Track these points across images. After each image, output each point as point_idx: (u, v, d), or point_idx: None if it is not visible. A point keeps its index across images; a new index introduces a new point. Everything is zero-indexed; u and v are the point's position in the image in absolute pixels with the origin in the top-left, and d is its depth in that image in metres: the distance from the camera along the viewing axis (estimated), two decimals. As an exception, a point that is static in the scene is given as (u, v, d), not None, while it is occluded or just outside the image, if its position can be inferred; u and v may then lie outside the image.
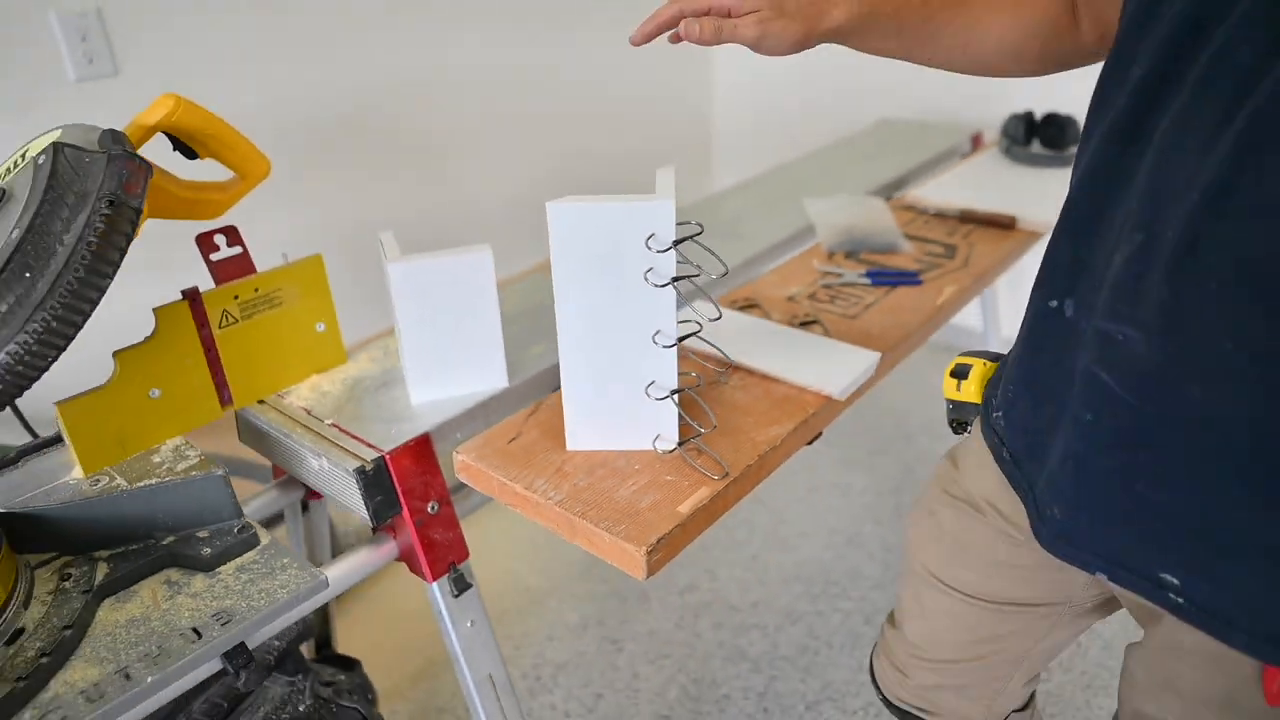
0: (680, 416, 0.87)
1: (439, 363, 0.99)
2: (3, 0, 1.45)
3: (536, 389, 1.05)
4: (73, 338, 0.73)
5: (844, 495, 2.03)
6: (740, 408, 0.96)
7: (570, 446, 0.89)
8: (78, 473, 0.89)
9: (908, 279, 1.31)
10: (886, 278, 1.31)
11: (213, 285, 0.95)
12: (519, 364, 1.05)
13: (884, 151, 2.02)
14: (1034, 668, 0.86)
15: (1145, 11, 0.60)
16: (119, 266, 0.74)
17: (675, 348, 0.83)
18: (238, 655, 0.81)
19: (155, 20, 1.62)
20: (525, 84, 2.29)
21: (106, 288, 0.73)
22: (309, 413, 0.99)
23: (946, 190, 1.70)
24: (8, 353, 0.70)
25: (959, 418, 0.90)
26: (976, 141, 2.17)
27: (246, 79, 1.76)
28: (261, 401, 1.02)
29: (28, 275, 0.70)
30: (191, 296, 0.93)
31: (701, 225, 0.82)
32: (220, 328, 0.95)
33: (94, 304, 0.73)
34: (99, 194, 0.71)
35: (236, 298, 0.96)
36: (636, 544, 0.76)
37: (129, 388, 0.89)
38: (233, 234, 0.97)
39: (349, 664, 1.26)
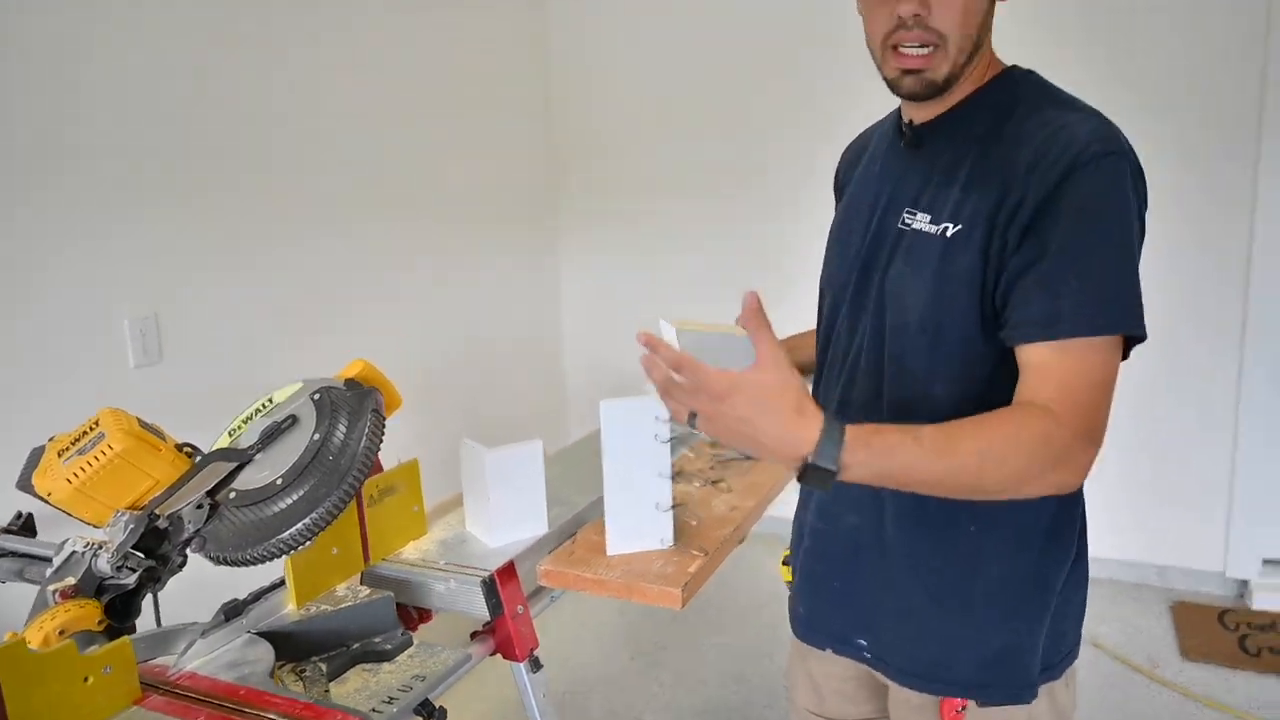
0: (674, 523, 1.48)
1: (508, 520, 1.53)
2: (85, 306, 1.93)
3: (566, 529, 1.61)
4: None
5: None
6: (715, 516, 1.57)
7: (610, 552, 1.46)
8: (292, 606, 1.33)
9: (766, 454, 2.01)
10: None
11: (359, 480, 1.46)
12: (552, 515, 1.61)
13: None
14: None
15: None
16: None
17: (669, 480, 1.46)
18: (425, 705, 1.26)
19: (196, 319, 2.14)
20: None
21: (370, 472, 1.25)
22: (424, 561, 1.48)
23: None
24: (316, 516, 1.19)
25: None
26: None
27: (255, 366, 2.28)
28: (383, 560, 1.49)
29: (330, 459, 1.22)
30: (353, 486, 1.43)
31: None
32: (368, 507, 1.45)
33: (363, 483, 1.25)
34: (372, 409, 1.26)
35: (377, 485, 1.47)
36: (674, 586, 1.33)
37: (324, 545, 1.37)
38: (368, 448, 1.50)
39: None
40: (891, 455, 0.84)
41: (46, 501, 1.29)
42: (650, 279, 3.65)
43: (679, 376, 0.82)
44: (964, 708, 1.06)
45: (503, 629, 1.44)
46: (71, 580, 1.21)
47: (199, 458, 1.32)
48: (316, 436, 1.24)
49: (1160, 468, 2.98)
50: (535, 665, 1.46)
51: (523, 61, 3.49)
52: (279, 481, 1.21)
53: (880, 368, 1.06)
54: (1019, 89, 1.02)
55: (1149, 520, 3.02)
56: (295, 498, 1.20)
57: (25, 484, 1.32)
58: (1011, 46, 1.12)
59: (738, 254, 3.46)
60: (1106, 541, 3.08)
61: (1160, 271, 2.84)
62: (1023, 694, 1.05)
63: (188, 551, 1.23)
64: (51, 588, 1.19)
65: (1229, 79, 2.71)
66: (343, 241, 2.60)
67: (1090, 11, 2.83)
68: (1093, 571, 3.18)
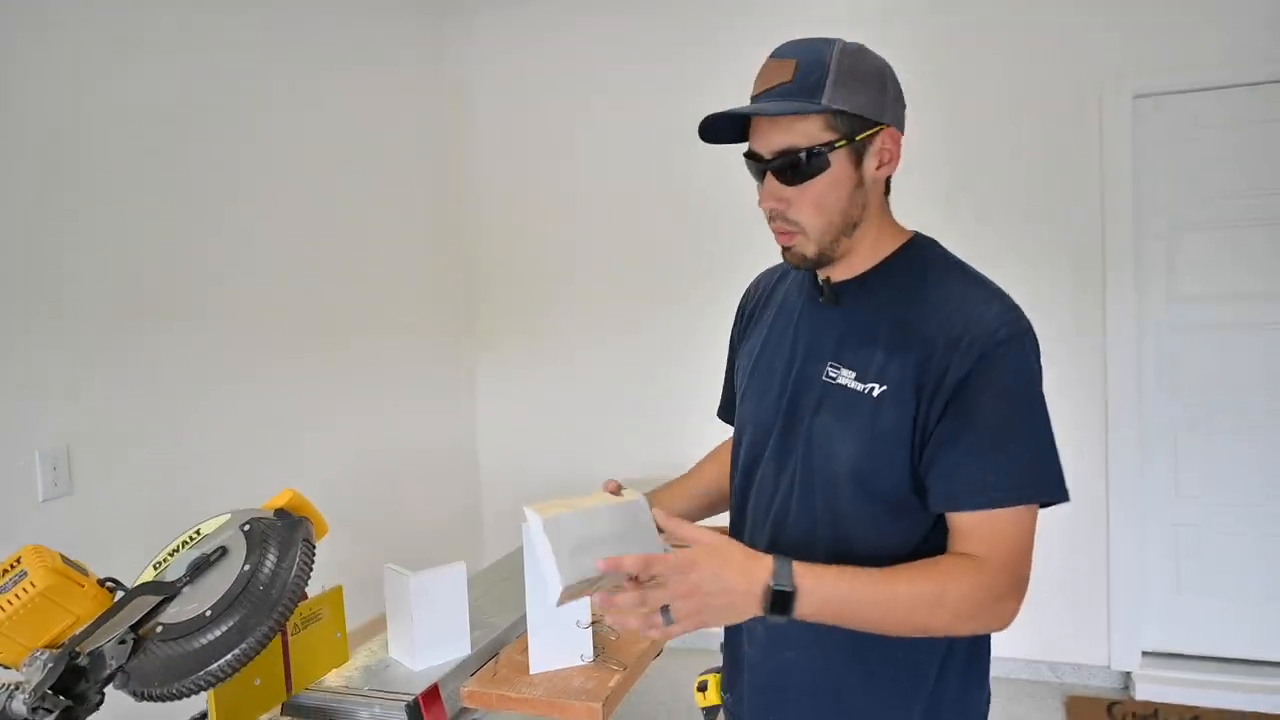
0: (594, 638, 1.55)
1: (432, 643, 1.57)
2: (-3, 444, 1.91)
3: (488, 650, 1.65)
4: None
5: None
6: (633, 630, 1.64)
7: (533, 670, 1.51)
8: (215, 740, 1.33)
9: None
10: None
11: (284, 609, 1.49)
12: (474, 637, 1.65)
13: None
14: None
15: None
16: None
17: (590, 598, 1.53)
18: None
19: (108, 450, 2.13)
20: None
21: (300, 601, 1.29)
22: (347, 688, 1.50)
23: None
24: (246, 646, 1.22)
25: (708, 719, 1.35)
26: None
27: (167, 497, 2.26)
28: (305, 689, 1.50)
29: (260, 589, 1.26)
30: (276, 616, 1.46)
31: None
32: (291, 635, 1.48)
33: (293, 612, 1.28)
34: (303, 538, 1.31)
35: (301, 613, 1.50)
36: (595, 701, 1.40)
37: (247, 676, 1.38)
38: (293, 575, 1.53)
39: None
40: (836, 584, 0.96)
41: (-40, 642, 1.28)
42: (564, 393, 3.77)
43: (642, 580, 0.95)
44: None
45: (427, 753, 1.46)
46: (-16, 724, 1.19)
47: (121, 593, 1.33)
48: (246, 567, 1.28)
49: (1048, 571, 3.18)
50: (460, 788, 1.48)
51: (439, 183, 3.67)
52: (208, 613, 1.23)
53: (813, 514, 1.11)
54: (925, 258, 1.13)
55: (1041, 621, 3.21)
56: (224, 629, 1.23)
57: (-64, 624, 1.30)
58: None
59: (650, 365, 3.62)
60: (1006, 642, 3.24)
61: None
62: None
63: (110, 687, 1.23)
64: (-36, 732, 1.17)
65: (1076, 230, 3.09)
66: (257, 369, 2.64)
67: (960, 184, 3.20)
68: (996, 670, 3.33)
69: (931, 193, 3.22)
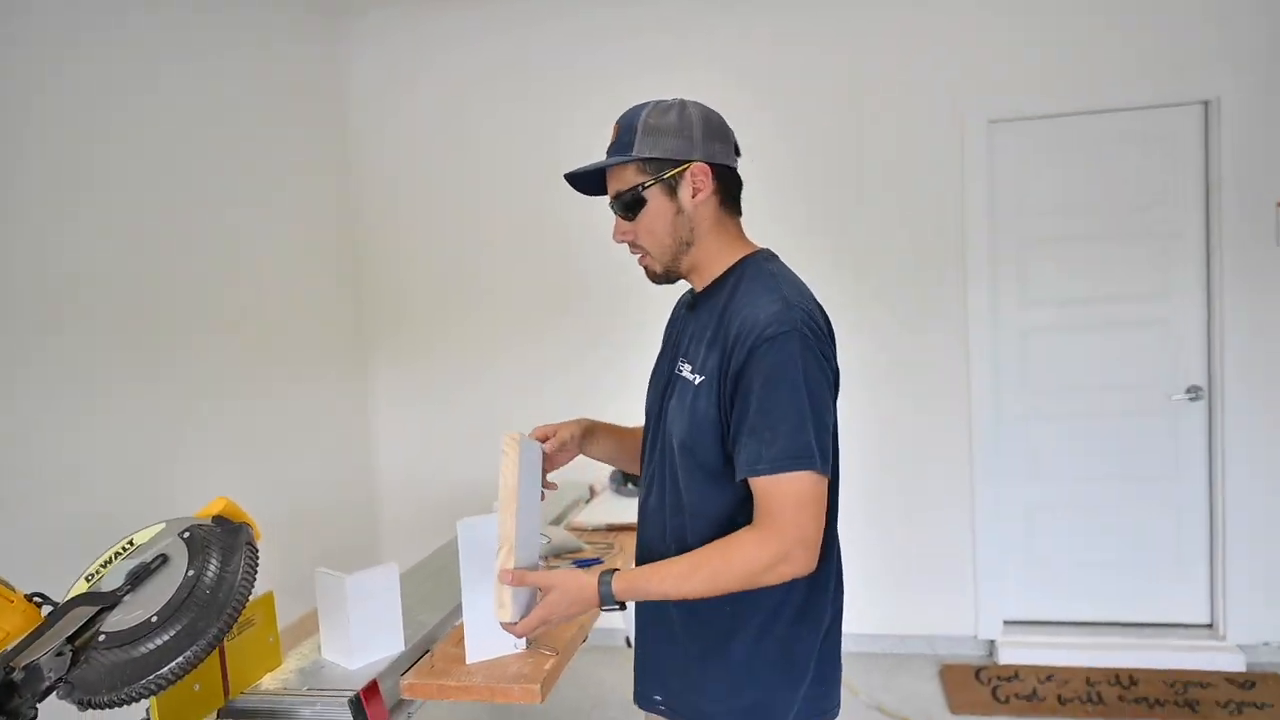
0: (526, 629, 1.63)
1: (367, 641, 1.61)
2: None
3: (419, 646, 1.70)
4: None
5: None
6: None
7: (470, 660, 1.58)
8: (158, 746, 1.34)
9: (594, 561, 2.22)
10: (584, 562, 2.20)
11: (218, 615, 1.50)
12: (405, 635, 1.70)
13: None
14: None
15: None
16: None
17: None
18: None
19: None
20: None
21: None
22: (285, 689, 1.53)
23: (591, 515, 2.70)
24: (198, 649, 1.24)
25: None
26: (592, 490, 3.25)
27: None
28: (241, 693, 1.52)
29: (207, 593, 1.28)
30: (211, 622, 1.47)
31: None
32: (227, 641, 1.49)
33: (239, 616, 1.31)
34: (246, 544, 1.34)
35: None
36: (533, 683, 1.48)
37: (186, 682, 1.39)
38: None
39: None
40: (644, 581, 1.28)
41: (-121, 666, 1.25)
42: (460, 408, 3.80)
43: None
44: None
45: (369, 746, 1.50)
46: (-83, 744, 1.17)
47: (49, 606, 1.33)
48: (190, 573, 1.30)
49: (920, 554, 3.49)
50: (401, 778, 1.53)
51: (330, 216, 3.64)
52: (154, 619, 1.25)
53: (664, 478, 1.41)
54: (745, 272, 1.35)
55: (915, 600, 3.50)
56: (173, 633, 1.25)
57: None
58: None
59: (548, 371, 3.71)
60: (885, 621, 3.52)
61: (904, 383, 3.42)
62: None
63: (53, 696, 1.23)
64: (-104, 754, 1.15)
65: (940, 243, 3.39)
66: (161, 385, 2.57)
67: (838, 204, 3.45)
68: (875, 647, 3.61)
69: (814, 209, 3.46)
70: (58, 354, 2.30)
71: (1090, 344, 3.39)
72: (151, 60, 2.64)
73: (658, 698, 1.43)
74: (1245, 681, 3.11)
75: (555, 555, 2.28)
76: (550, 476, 1.55)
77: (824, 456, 1.23)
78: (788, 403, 1.22)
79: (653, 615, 1.44)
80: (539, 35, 3.63)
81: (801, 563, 1.22)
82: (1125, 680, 3.16)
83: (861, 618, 3.53)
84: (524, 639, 1.63)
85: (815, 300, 1.35)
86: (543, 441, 1.52)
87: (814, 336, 1.26)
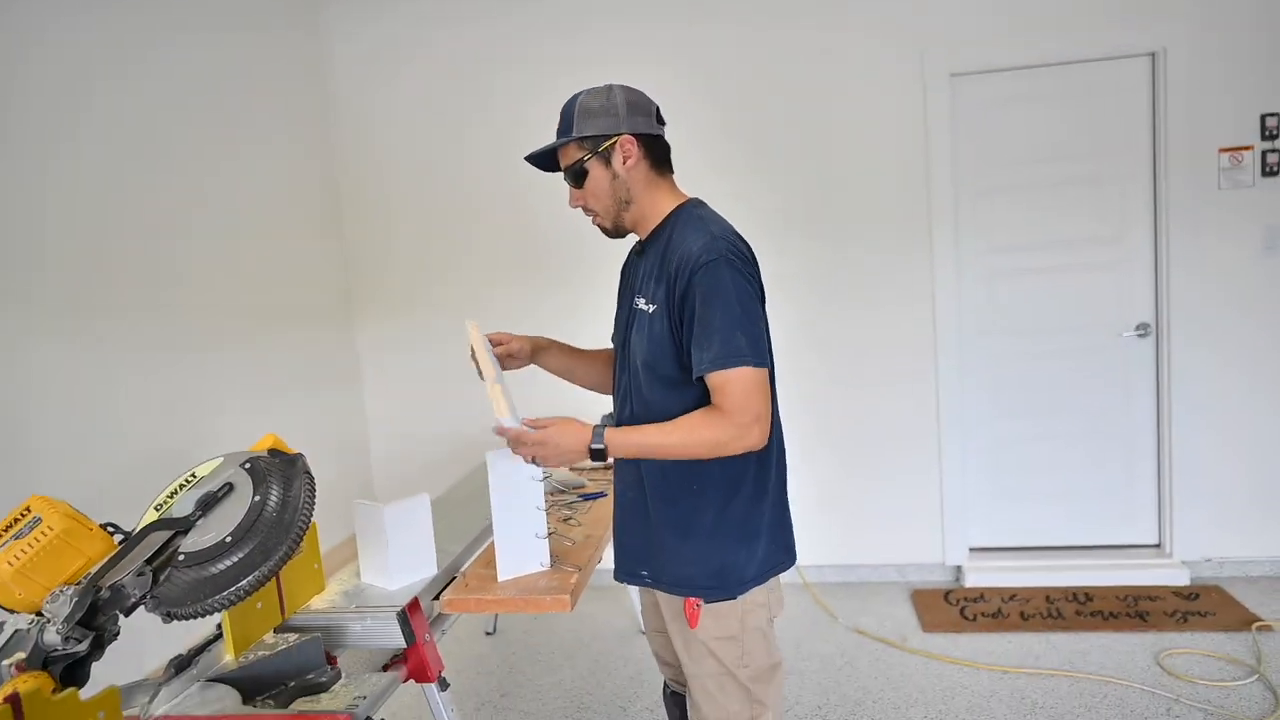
0: (550, 548, 1.79)
1: (404, 565, 1.76)
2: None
3: (448, 571, 1.86)
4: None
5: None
6: (578, 542, 1.90)
7: (501, 578, 1.74)
8: (230, 655, 1.48)
9: (598, 495, 2.38)
10: (589, 495, 2.37)
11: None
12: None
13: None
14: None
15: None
16: (309, 513, 1.48)
17: (544, 512, 1.78)
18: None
19: (11, 427, 2.13)
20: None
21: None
22: (334, 608, 1.67)
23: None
24: (270, 565, 1.38)
25: None
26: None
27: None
28: (294, 613, 1.66)
29: (273, 516, 1.42)
30: (266, 548, 1.61)
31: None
32: (281, 565, 1.63)
33: (303, 537, 1.45)
34: (303, 472, 1.47)
35: (288, 547, 1.65)
36: (563, 594, 1.65)
37: (250, 600, 1.53)
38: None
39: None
40: (629, 436, 1.53)
41: (-26, 589, 1.37)
42: (439, 356, 3.92)
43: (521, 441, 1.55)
44: (697, 605, 1.59)
45: (415, 655, 1.67)
46: (21, 655, 1.30)
47: (119, 536, 1.46)
48: (257, 498, 1.43)
49: (890, 490, 3.71)
50: (444, 685, 1.70)
51: (316, 182, 3.70)
52: (228, 539, 1.39)
53: (630, 392, 1.67)
54: (679, 218, 1.61)
55: (887, 530, 3.73)
56: (245, 552, 1.38)
57: (-50, 575, 1.38)
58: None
59: (515, 324, 3.83)
60: (859, 551, 3.75)
61: (873, 329, 3.61)
62: (733, 593, 1.59)
63: (142, 610, 1.36)
64: (5, 662, 1.28)
65: (905, 193, 3.56)
66: (176, 343, 2.66)
67: (806, 157, 3.59)
68: (851, 577, 3.83)
69: (782, 164, 3.61)
70: (89, 324, 2.39)
71: (1047, 286, 3.60)
72: (143, 31, 2.68)
73: (644, 573, 1.65)
74: (1190, 594, 3.39)
75: (561, 490, 2.45)
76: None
77: (757, 353, 1.49)
78: (722, 315, 1.48)
79: (632, 507, 1.68)
80: (523, 9, 3.71)
81: (757, 435, 1.49)
82: (1082, 597, 3.42)
83: (836, 549, 3.77)
84: (549, 559, 1.79)
85: (737, 233, 1.60)
86: (495, 346, 1.79)
87: (739, 260, 1.53)
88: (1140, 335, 3.56)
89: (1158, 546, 3.66)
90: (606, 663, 3.13)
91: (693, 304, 1.50)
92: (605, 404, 1.95)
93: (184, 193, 2.85)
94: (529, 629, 3.46)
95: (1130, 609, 3.29)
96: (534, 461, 1.56)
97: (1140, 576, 3.50)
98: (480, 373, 1.68)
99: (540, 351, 1.87)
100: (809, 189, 3.63)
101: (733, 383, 1.47)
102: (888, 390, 3.66)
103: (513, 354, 1.81)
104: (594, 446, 1.53)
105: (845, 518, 3.74)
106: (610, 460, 1.58)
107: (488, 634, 3.43)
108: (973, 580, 3.61)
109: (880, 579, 3.77)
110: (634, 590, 3.33)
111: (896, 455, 3.69)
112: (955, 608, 3.42)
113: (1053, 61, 3.45)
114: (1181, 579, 3.47)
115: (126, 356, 2.54)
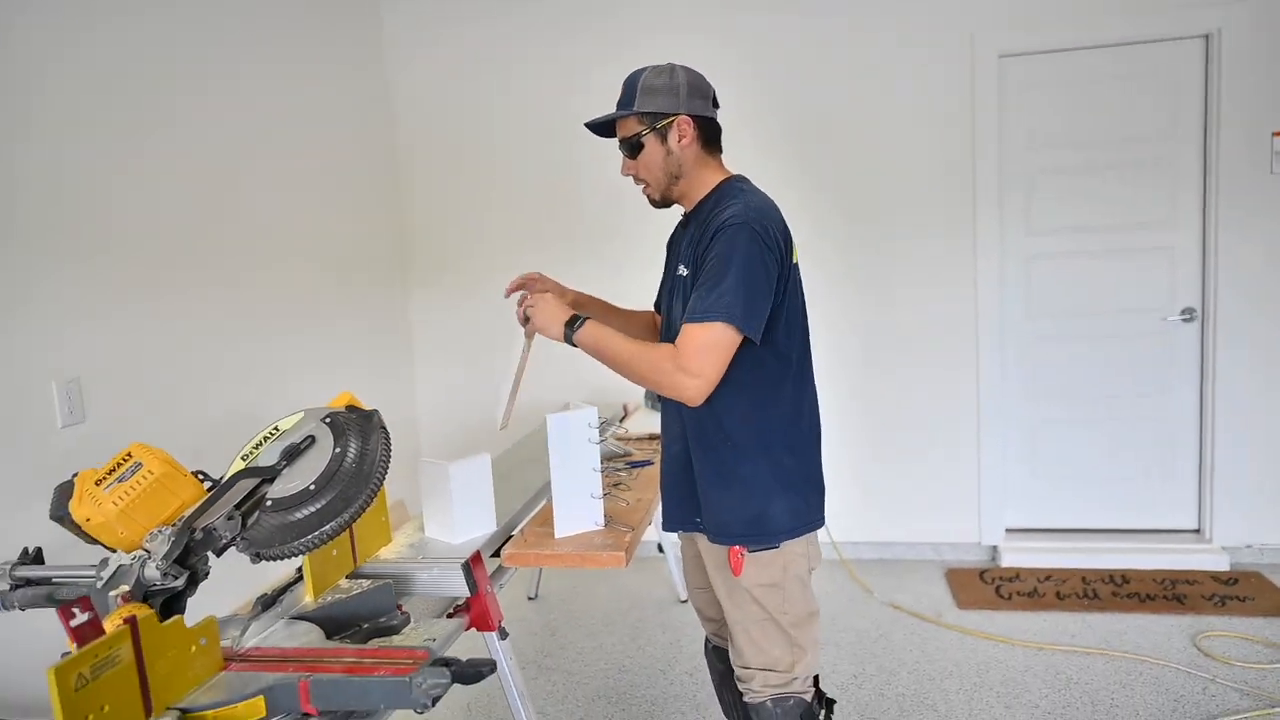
0: (605, 508, 1.88)
1: (467, 520, 1.85)
2: (19, 374, 2.03)
3: (507, 528, 1.95)
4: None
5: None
6: (629, 505, 1.98)
7: (558, 535, 1.82)
8: (310, 597, 1.58)
9: (645, 464, 2.46)
10: (636, 464, 2.45)
11: (344, 495, 1.73)
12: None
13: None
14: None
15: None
16: (385, 464, 1.57)
17: (600, 474, 1.86)
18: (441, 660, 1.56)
19: (113, 381, 2.26)
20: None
21: (381, 476, 1.55)
22: (402, 559, 1.77)
23: (634, 427, 2.94)
24: (352, 512, 1.47)
25: None
26: (625, 409, 3.49)
27: (167, 419, 2.41)
28: (365, 562, 1.76)
29: (353, 466, 1.51)
30: (340, 500, 1.70)
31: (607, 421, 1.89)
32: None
33: (380, 487, 1.54)
34: (379, 427, 1.56)
35: (359, 500, 1.75)
36: (617, 550, 1.73)
37: (328, 547, 1.63)
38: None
39: None
40: (596, 333, 1.65)
41: (80, 528, 1.48)
42: (495, 333, 4.02)
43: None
44: (742, 553, 1.67)
45: (478, 605, 1.76)
46: (125, 588, 1.41)
47: (209, 483, 1.56)
48: (338, 450, 1.52)
49: (928, 469, 3.75)
50: (503, 634, 1.79)
51: (375, 145, 3.80)
52: (311, 487, 1.48)
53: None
54: (723, 192, 1.70)
55: (923, 509, 3.77)
56: (328, 499, 1.48)
57: (59, 515, 1.49)
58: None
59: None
60: (893, 529, 3.80)
61: (916, 308, 3.64)
62: (774, 542, 1.68)
63: (233, 550, 1.46)
64: (112, 593, 1.39)
65: (948, 186, 3.58)
66: (232, 311, 2.78)
67: (855, 136, 3.62)
68: (886, 554, 3.88)
69: (827, 148, 3.63)
70: (170, 290, 2.51)
71: (1092, 270, 3.60)
72: (217, 16, 2.79)
73: (697, 519, 1.75)
74: (1229, 579, 3.40)
75: (608, 459, 2.53)
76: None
77: (747, 319, 1.56)
78: (726, 274, 1.56)
79: (679, 459, 1.77)
80: (567, -24, 3.77)
81: (692, 391, 1.57)
82: (1119, 579, 3.44)
83: (873, 527, 3.82)
84: (603, 519, 1.87)
85: (774, 209, 1.67)
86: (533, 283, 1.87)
87: (761, 232, 1.59)
88: (1185, 320, 3.55)
89: (1197, 532, 3.66)
90: (646, 629, 3.22)
91: (707, 260, 1.59)
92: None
93: (252, 171, 2.95)
94: (569, 596, 3.56)
95: (1168, 592, 3.31)
96: (525, 318, 1.75)
97: (1179, 561, 3.51)
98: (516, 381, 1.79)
99: (580, 307, 1.90)
100: (854, 172, 3.66)
101: (701, 338, 1.55)
102: (928, 373, 3.69)
103: (548, 289, 1.87)
104: (569, 322, 1.67)
105: (883, 497, 3.79)
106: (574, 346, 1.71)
107: (530, 599, 3.54)
108: (1009, 560, 3.65)
109: (916, 557, 3.82)
110: (672, 560, 3.42)
111: (935, 435, 3.73)
112: (990, 586, 3.46)
113: (1103, 43, 3.44)
114: (1221, 564, 3.47)
115: (201, 326, 2.66)
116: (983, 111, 3.52)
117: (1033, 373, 3.71)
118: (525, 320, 1.75)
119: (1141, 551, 3.56)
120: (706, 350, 1.55)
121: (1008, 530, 3.78)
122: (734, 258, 1.56)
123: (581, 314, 1.69)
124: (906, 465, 3.76)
